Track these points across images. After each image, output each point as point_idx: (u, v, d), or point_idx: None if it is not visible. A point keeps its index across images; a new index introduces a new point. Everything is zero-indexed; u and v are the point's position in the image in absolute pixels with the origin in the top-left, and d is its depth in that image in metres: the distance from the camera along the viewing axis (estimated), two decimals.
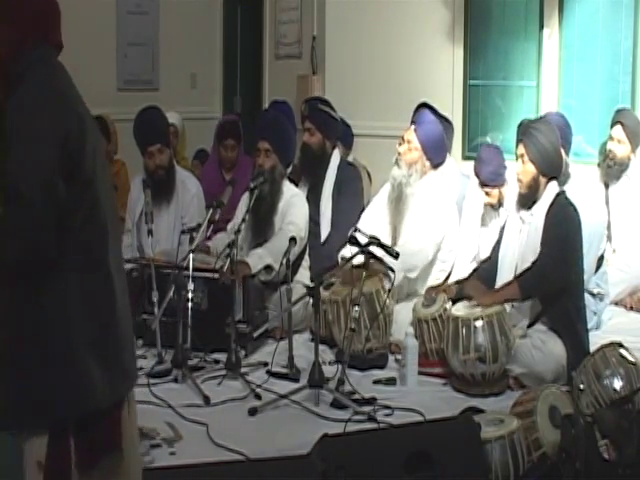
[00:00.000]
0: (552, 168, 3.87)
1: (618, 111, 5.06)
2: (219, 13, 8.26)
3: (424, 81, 6.18)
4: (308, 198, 4.99)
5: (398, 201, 4.44)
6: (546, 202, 3.82)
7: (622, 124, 4.98)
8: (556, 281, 3.72)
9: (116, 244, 2.17)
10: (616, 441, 2.92)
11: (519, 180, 3.89)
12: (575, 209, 3.84)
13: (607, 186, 5.09)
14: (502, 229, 4.09)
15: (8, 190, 1.88)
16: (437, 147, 4.54)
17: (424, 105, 4.89)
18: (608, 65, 5.41)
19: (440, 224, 4.40)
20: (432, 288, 4.17)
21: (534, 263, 3.75)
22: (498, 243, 4.06)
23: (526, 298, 3.79)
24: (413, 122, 4.63)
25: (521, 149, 3.87)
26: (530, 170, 3.83)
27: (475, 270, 4.20)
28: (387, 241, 4.34)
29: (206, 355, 3.94)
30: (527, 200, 3.88)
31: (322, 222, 4.97)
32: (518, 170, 3.89)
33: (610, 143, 5.03)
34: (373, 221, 4.52)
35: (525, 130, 3.88)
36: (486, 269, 4.06)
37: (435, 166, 4.54)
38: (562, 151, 4.54)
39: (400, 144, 4.52)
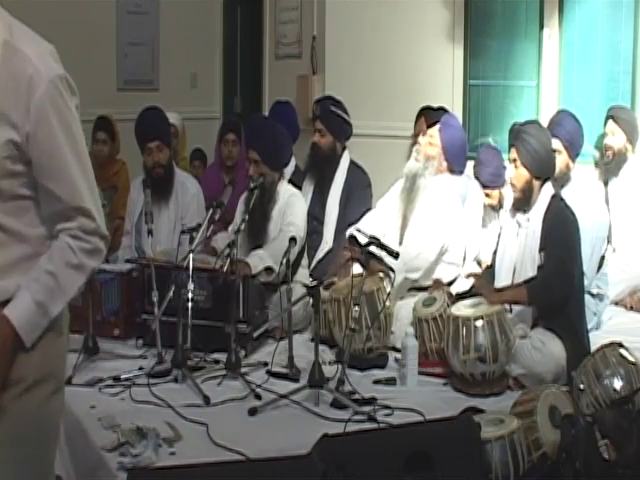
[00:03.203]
0: (545, 170, 3.87)
1: (609, 109, 5.10)
2: (219, 13, 8.27)
3: (424, 81, 6.18)
4: (314, 196, 5.01)
5: (410, 191, 4.46)
6: (542, 205, 3.81)
7: (613, 117, 5.05)
8: (562, 290, 3.71)
9: None
10: (616, 441, 2.92)
11: (512, 185, 3.90)
12: (572, 212, 3.84)
13: (606, 184, 5.10)
14: (499, 234, 4.09)
15: None
16: (457, 152, 4.56)
17: (429, 108, 4.90)
18: (608, 65, 5.42)
19: (444, 228, 4.40)
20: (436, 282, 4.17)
21: (541, 273, 3.74)
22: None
23: (532, 304, 3.79)
24: (436, 122, 4.64)
25: (513, 154, 3.87)
26: (523, 174, 3.83)
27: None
28: (395, 231, 4.38)
29: (206, 355, 3.94)
30: (522, 204, 3.88)
31: (327, 223, 4.99)
32: (511, 175, 3.89)
33: (605, 139, 5.06)
34: (384, 212, 4.54)
35: (516, 134, 3.87)
36: (486, 277, 4.06)
37: (452, 171, 4.55)
38: (567, 154, 4.56)
39: (422, 136, 4.55)
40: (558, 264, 3.71)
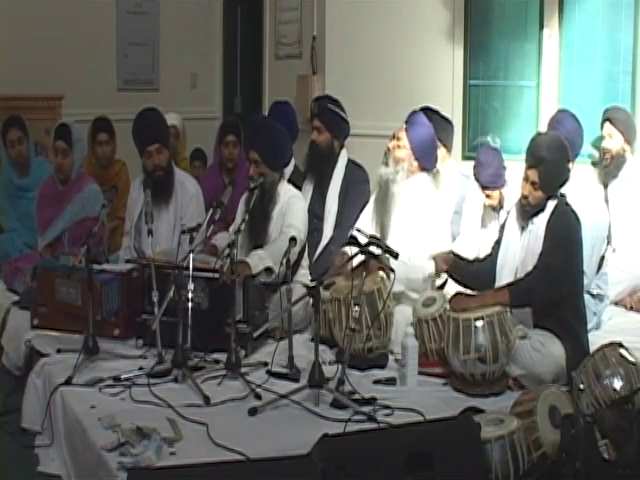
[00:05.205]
0: (560, 188, 3.86)
1: (605, 111, 5.09)
2: (219, 13, 8.28)
3: (424, 81, 6.18)
4: (313, 194, 5.03)
5: (384, 199, 4.41)
6: (548, 209, 3.80)
7: (609, 120, 5.04)
8: (546, 295, 3.70)
9: None
10: (616, 441, 2.92)
11: (526, 199, 3.83)
12: (576, 216, 3.82)
13: (606, 186, 5.10)
14: (502, 227, 4.08)
15: None
16: (426, 149, 4.47)
17: (424, 108, 4.89)
18: (608, 65, 5.42)
19: (439, 237, 4.37)
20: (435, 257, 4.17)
21: (527, 275, 3.74)
22: (498, 242, 4.05)
23: (515, 307, 3.78)
24: (406, 122, 4.61)
25: (534, 176, 3.77)
26: (540, 195, 3.80)
27: (474, 261, 4.17)
28: None
29: (206, 355, 3.94)
30: (531, 214, 3.86)
31: (326, 219, 5.02)
32: (526, 192, 3.81)
33: (603, 142, 5.06)
34: (364, 222, 4.51)
35: (540, 159, 3.75)
36: (485, 268, 4.05)
37: (423, 169, 4.50)
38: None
39: (391, 139, 4.52)
40: (544, 270, 3.69)
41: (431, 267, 4.22)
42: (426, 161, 4.47)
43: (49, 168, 5.29)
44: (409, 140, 4.42)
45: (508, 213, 4.09)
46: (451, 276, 4.17)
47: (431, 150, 4.51)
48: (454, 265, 4.11)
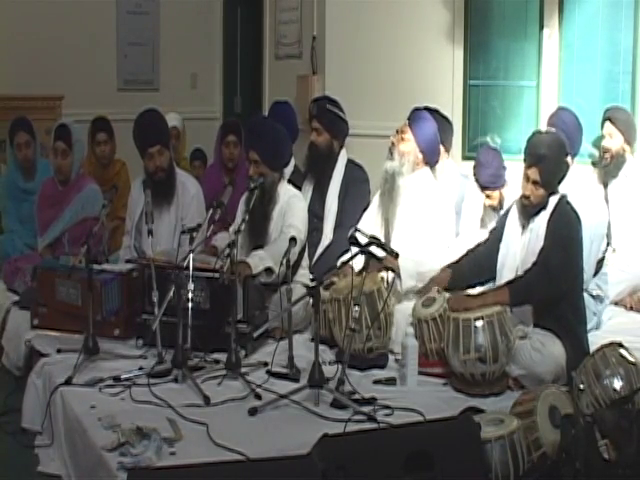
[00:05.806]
0: (560, 183, 3.86)
1: (606, 110, 5.10)
2: (219, 13, 8.28)
3: (424, 81, 6.19)
4: (313, 194, 5.04)
5: (390, 192, 4.43)
6: (549, 209, 3.81)
7: (610, 119, 5.05)
8: (546, 293, 3.71)
9: None
10: (616, 441, 2.92)
11: (528, 199, 3.84)
12: (577, 214, 3.83)
13: (606, 186, 5.10)
14: (504, 215, 4.07)
15: None
16: (430, 143, 4.52)
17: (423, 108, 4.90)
18: (608, 65, 5.42)
19: (446, 230, 4.43)
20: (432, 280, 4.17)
21: (526, 272, 3.75)
22: (495, 229, 4.07)
23: (515, 305, 3.78)
24: (409, 118, 4.63)
25: (534, 174, 3.78)
26: (542, 193, 3.81)
27: (468, 253, 4.17)
28: (380, 235, 4.32)
29: (206, 355, 3.94)
30: (532, 213, 3.87)
31: (326, 219, 5.04)
32: (528, 192, 3.82)
33: (603, 141, 5.06)
34: (368, 219, 4.52)
35: (540, 156, 3.76)
36: (479, 259, 4.05)
37: (427, 163, 4.53)
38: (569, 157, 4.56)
39: (394, 135, 4.54)
40: (543, 266, 3.70)
41: (437, 263, 4.24)
42: (430, 155, 4.53)
43: None
44: (414, 134, 4.47)
45: (509, 208, 4.07)
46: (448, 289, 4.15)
47: (435, 144, 4.58)
48: (453, 280, 4.09)
